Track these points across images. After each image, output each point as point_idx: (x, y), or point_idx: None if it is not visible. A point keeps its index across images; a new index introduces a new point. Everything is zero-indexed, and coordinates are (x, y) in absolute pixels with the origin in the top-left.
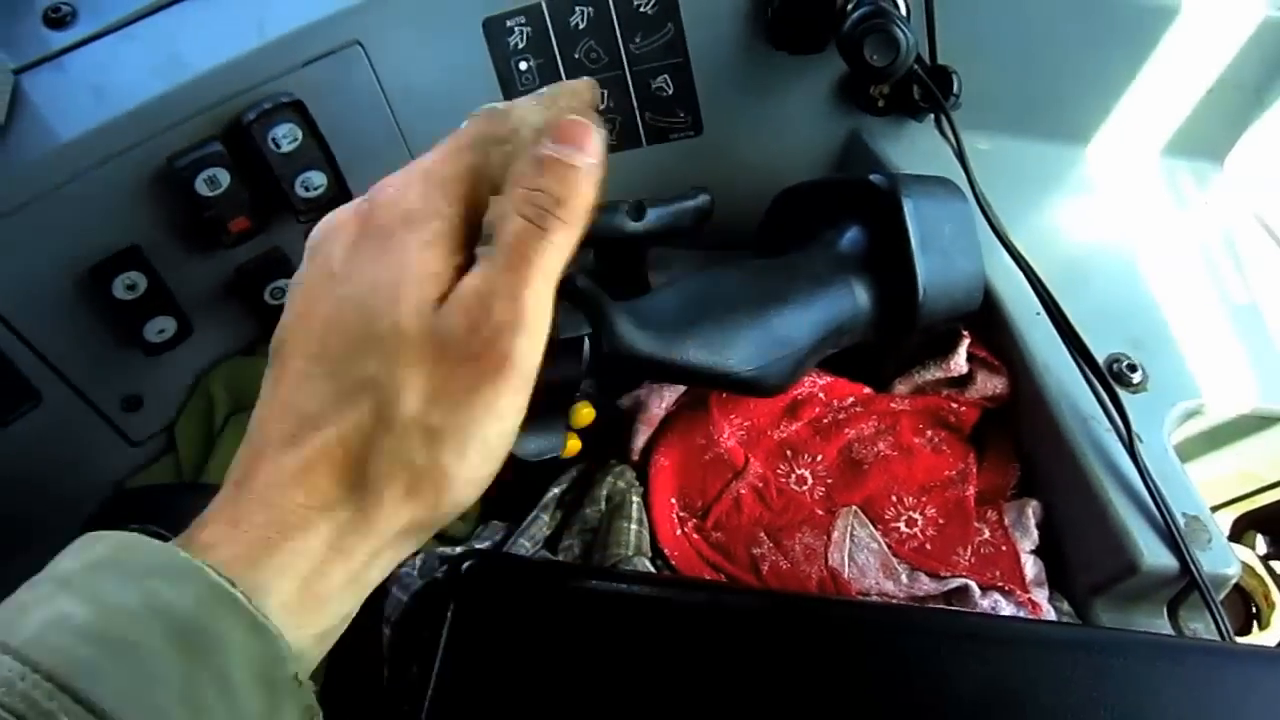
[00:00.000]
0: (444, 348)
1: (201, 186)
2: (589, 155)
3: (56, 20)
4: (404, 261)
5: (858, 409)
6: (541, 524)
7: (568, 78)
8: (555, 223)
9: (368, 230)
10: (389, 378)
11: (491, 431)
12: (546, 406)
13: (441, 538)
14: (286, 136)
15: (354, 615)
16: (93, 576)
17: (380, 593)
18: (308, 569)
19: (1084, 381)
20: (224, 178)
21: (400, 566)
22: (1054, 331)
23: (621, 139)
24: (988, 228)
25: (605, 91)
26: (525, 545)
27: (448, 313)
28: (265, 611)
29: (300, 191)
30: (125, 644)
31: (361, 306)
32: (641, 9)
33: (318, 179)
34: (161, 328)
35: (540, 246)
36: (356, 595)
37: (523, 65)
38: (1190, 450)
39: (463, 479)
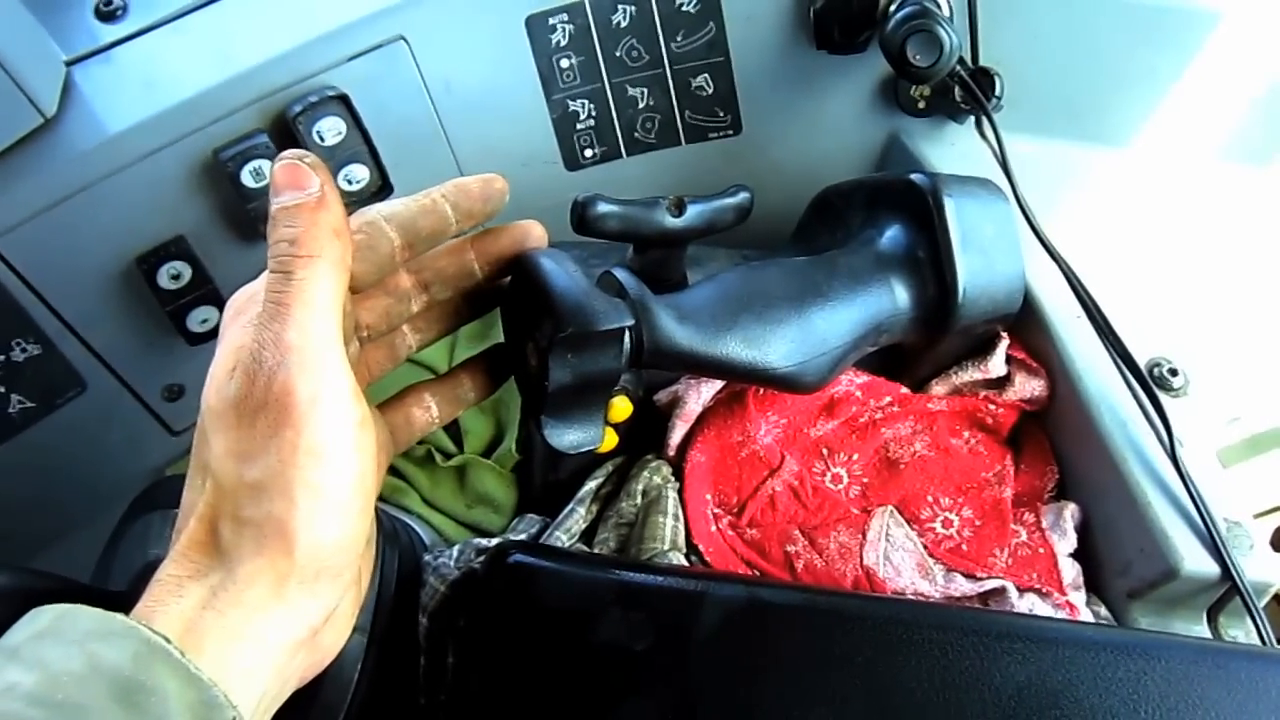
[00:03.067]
0: (238, 409)
1: (247, 178)
2: (308, 190)
3: (108, 14)
4: (221, 350)
5: (895, 409)
6: (577, 517)
7: (609, 76)
8: (296, 262)
9: (221, 328)
10: (209, 453)
11: (311, 470)
12: (585, 399)
13: (478, 530)
14: (331, 130)
15: (270, 684)
16: (37, 645)
17: (417, 583)
18: (181, 626)
19: (1124, 385)
20: (269, 170)
21: (437, 557)
22: (1094, 334)
23: (661, 137)
24: (1029, 230)
25: (645, 89)
26: (561, 538)
27: (234, 377)
28: None
29: (344, 184)
30: (70, 704)
31: (201, 402)
32: (683, 8)
33: (360, 172)
34: (205, 318)
35: (290, 288)
36: (249, 653)
37: (564, 63)
38: (1231, 456)
39: (303, 523)
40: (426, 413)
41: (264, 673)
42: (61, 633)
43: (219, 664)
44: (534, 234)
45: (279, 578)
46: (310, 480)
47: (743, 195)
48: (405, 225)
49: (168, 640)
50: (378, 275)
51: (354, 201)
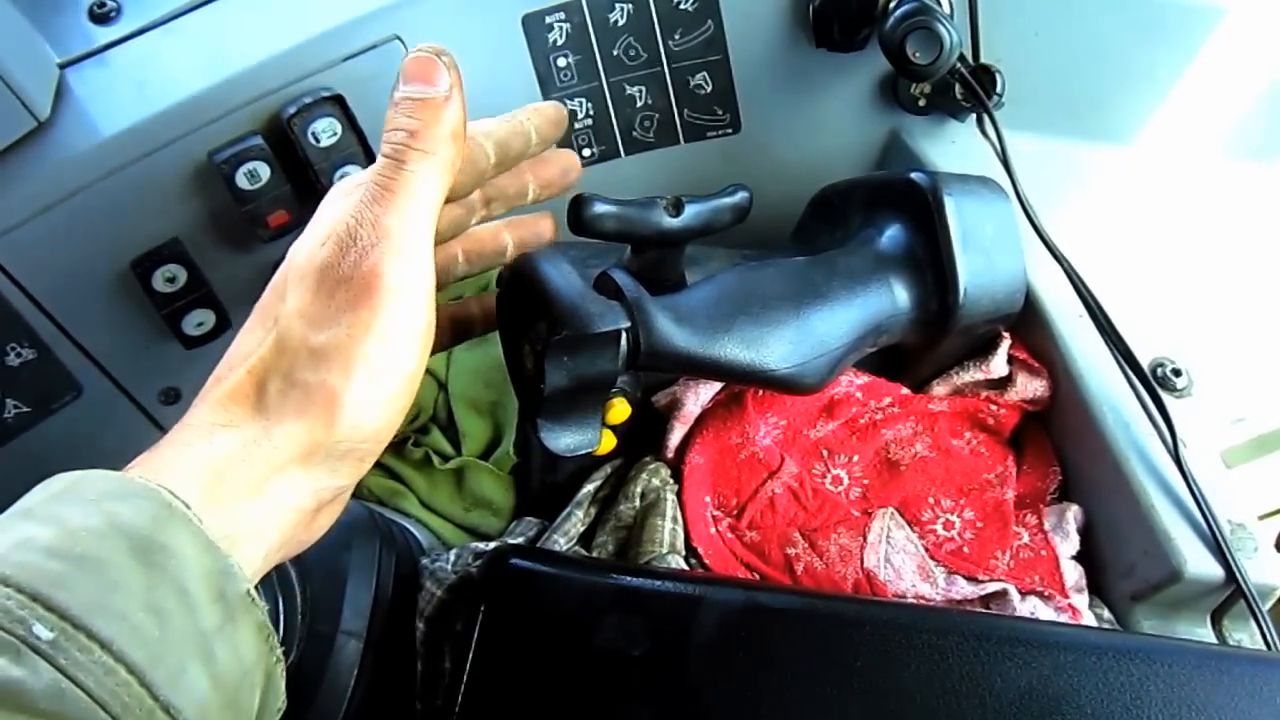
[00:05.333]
0: (322, 276)
1: (242, 180)
2: (436, 87)
3: (101, 16)
4: (320, 218)
5: (895, 409)
6: (575, 520)
7: (606, 75)
8: (411, 153)
9: (322, 203)
10: (282, 310)
11: (375, 351)
12: (582, 402)
13: (476, 533)
14: (326, 131)
15: (274, 544)
16: (54, 504)
17: (414, 587)
18: (208, 474)
19: (1127, 385)
20: (264, 172)
21: (435, 561)
22: (1097, 334)
23: (659, 136)
24: (1030, 228)
25: (643, 88)
26: (559, 541)
27: (325, 246)
28: None
29: None
30: (89, 558)
31: (285, 261)
32: (681, 6)
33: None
34: (200, 321)
35: (400, 176)
36: (263, 509)
37: (561, 61)
38: (1236, 457)
39: (352, 399)
40: None
41: (270, 535)
42: (79, 493)
43: (235, 519)
44: (574, 162)
45: (312, 446)
46: (372, 360)
47: (741, 195)
48: (500, 144)
49: (188, 506)
50: (472, 189)
51: None
